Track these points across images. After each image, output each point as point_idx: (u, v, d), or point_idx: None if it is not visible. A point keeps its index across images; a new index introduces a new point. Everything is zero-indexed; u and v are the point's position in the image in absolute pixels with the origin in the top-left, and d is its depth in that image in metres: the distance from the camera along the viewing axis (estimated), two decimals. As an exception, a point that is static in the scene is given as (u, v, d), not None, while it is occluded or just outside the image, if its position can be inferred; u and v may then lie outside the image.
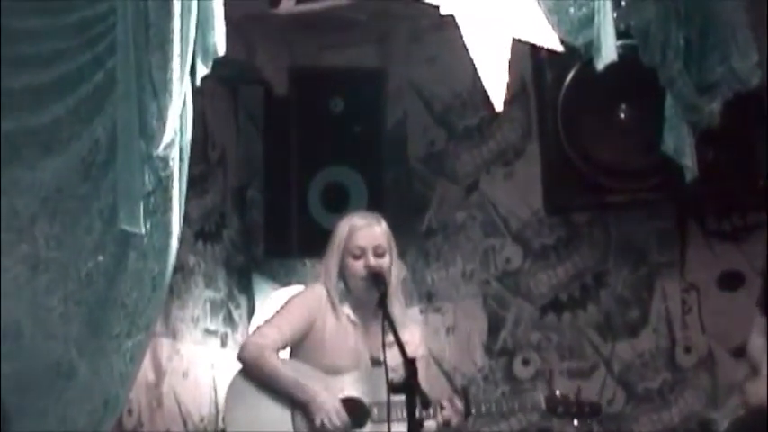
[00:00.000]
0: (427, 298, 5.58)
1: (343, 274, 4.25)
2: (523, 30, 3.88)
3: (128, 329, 3.31)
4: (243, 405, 4.15)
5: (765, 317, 4.16)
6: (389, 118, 5.57)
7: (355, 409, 4.12)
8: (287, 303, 4.31)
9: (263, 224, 5.65)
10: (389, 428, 3.83)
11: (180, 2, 3.19)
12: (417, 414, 3.61)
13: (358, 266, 4.21)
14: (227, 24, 3.31)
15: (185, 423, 5.30)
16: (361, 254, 4.21)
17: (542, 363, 5.37)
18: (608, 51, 3.74)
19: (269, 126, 5.63)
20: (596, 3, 3.74)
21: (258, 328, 4.34)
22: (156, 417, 5.12)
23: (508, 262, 5.49)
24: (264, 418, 4.13)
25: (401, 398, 3.63)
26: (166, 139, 3.22)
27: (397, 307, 4.20)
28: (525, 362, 5.41)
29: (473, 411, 4.16)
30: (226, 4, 3.31)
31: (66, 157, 3.32)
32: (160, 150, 3.22)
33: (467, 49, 3.88)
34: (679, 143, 3.97)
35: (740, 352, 4.47)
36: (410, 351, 3.79)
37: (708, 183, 4.25)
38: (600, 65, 3.77)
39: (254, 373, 4.15)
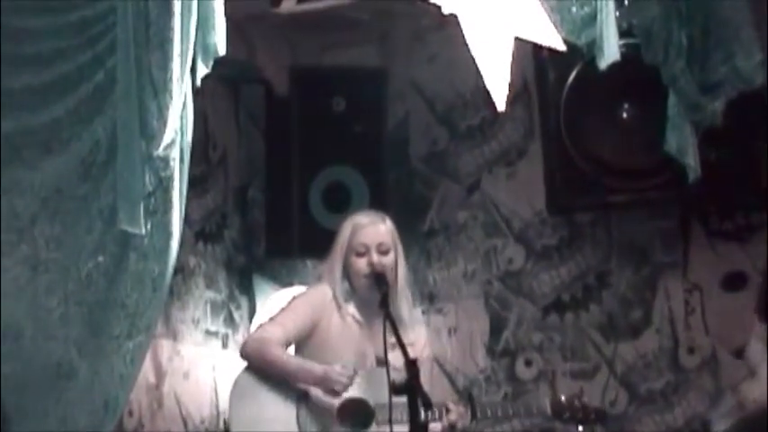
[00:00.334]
0: (429, 298, 5.57)
1: (347, 272, 4.24)
2: (526, 29, 3.86)
3: (128, 330, 3.31)
4: (247, 404, 4.15)
5: (764, 323, 4.15)
6: (391, 117, 5.56)
7: (360, 410, 4.11)
8: (291, 302, 4.31)
9: (264, 224, 5.64)
10: (391, 429, 3.81)
11: (180, 1, 3.18)
12: (422, 416, 3.59)
13: (361, 264, 4.19)
14: (227, 23, 3.30)
15: (186, 424, 5.29)
16: (364, 251, 4.20)
17: (545, 364, 5.36)
18: (610, 50, 3.73)
19: (270, 126, 5.62)
20: (599, 2, 3.73)
21: (261, 325, 4.33)
22: (156, 418, 5.11)
23: (510, 262, 5.48)
24: (269, 416, 4.13)
25: (404, 400, 3.61)
26: (167, 138, 3.21)
27: (404, 307, 4.19)
28: (527, 363, 5.39)
29: (478, 415, 4.15)
30: (226, 4, 3.31)
31: (67, 157, 3.32)
32: (160, 150, 3.22)
33: (469, 49, 3.86)
34: (682, 142, 3.96)
35: (743, 353, 4.46)
36: (415, 352, 3.78)
37: (711, 182, 4.24)
38: (602, 64, 3.76)
39: (258, 366, 4.14)
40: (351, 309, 4.23)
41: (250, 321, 5.66)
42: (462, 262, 5.56)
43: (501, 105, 3.93)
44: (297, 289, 5.14)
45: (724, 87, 3.92)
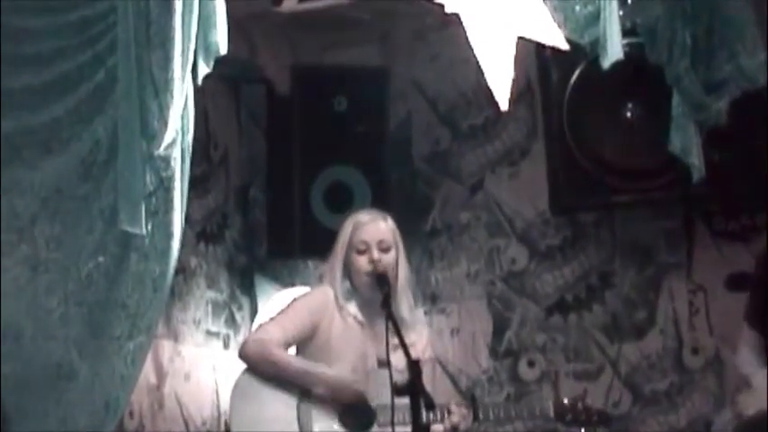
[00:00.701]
0: (431, 299, 5.56)
1: (348, 271, 4.22)
2: (529, 28, 3.85)
3: (129, 331, 3.30)
4: (248, 405, 4.13)
5: (754, 330, 4.13)
6: (393, 117, 5.55)
7: (362, 412, 4.09)
8: (291, 304, 4.29)
9: (265, 224, 5.63)
10: (393, 431, 3.80)
11: (181, 0, 3.17)
12: (424, 418, 3.57)
13: (362, 261, 4.17)
14: (229, 22, 3.29)
15: (187, 425, 5.28)
16: (365, 249, 4.18)
17: (548, 364, 5.35)
18: (614, 49, 3.71)
19: (271, 125, 5.61)
20: (602, 0, 3.72)
21: (261, 325, 4.31)
22: (157, 419, 5.10)
23: (513, 262, 5.47)
24: (270, 417, 4.11)
25: (406, 401, 3.59)
26: (168, 138, 3.21)
27: (404, 307, 4.17)
28: (530, 363, 5.38)
29: (481, 416, 4.13)
30: (228, 3, 3.31)
31: (67, 156, 3.32)
32: (161, 150, 3.21)
33: (471, 48, 3.85)
34: (686, 142, 3.94)
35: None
36: (416, 353, 3.76)
37: (715, 182, 4.21)
38: (606, 63, 3.75)
39: (259, 368, 4.12)
40: (352, 309, 4.21)
41: (251, 322, 5.64)
42: (465, 262, 5.54)
43: (504, 105, 3.92)
44: (298, 289, 5.13)
45: (728, 86, 3.90)
